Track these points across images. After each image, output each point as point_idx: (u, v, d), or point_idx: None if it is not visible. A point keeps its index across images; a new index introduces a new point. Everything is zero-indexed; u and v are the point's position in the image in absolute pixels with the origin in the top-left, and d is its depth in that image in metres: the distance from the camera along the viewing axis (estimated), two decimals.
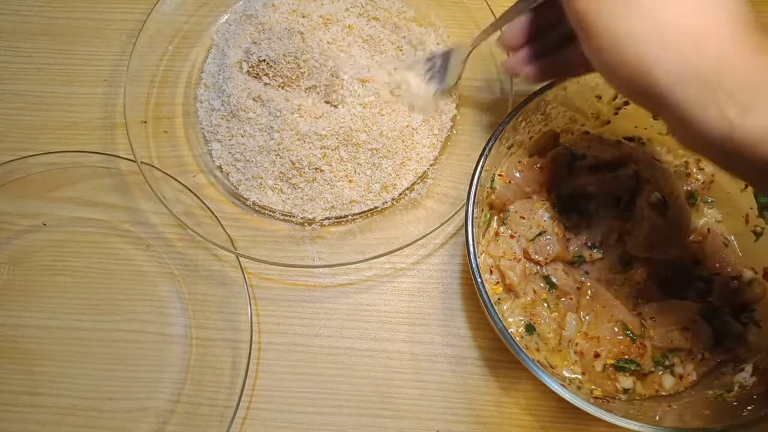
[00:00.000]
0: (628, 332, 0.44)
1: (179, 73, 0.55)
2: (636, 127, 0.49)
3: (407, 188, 0.52)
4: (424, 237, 0.48)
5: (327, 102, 0.50)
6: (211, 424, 0.46)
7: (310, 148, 0.49)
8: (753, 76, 0.27)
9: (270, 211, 0.51)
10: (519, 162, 0.48)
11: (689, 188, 0.49)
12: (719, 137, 0.27)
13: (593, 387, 0.44)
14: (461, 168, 0.53)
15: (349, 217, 0.51)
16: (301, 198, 0.51)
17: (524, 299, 0.45)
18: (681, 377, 0.44)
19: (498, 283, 0.46)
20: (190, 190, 0.50)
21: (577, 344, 0.44)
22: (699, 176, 0.48)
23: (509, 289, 0.45)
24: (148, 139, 0.52)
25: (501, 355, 0.49)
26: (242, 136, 0.51)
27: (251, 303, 0.48)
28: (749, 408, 0.38)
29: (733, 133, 0.26)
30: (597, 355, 0.44)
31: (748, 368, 0.42)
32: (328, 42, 0.51)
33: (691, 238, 0.47)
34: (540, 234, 0.46)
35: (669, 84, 0.28)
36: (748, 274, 0.45)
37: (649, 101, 0.31)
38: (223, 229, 0.49)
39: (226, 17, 0.56)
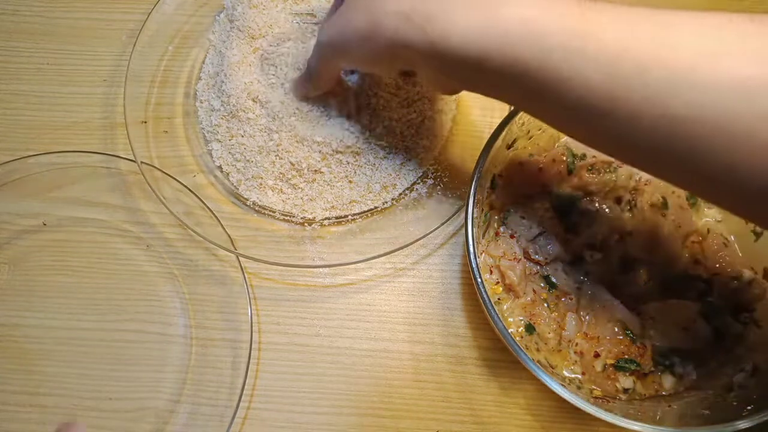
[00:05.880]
0: (628, 332, 0.44)
1: (179, 73, 0.55)
2: None
3: (407, 188, 0.52)
4: (424, 237, 0.48)
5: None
6: (211, 424, 0.46)
7: (308, 150, 0.49)
8: None
9: (270, 211, 0.51)
10: (518, 162, 0.48)
11: None
12: (428, 51, 0.35)
13: (593, 387, 0.44)
14: (461, 168, 0.53)
15: (349, 217, 0.51)
16: (301, 198, 0.51)
17: (524, 299, 0.45)
18: (681, 377, 0.44)
19: (498, 283, 0.46)
20: (190, 190, 0.50)
21: (577, 344, 0.44)
22: None
23: (509, 289, 0.45)
24: (148, 139, 0.52)
25: (501, 355, 0.49)
26: (242, 136, 0.51)
27: (251, 303, 0.48)
28: (749, 408, 0.38)
29: (433, 45, 0.34)
30: (597, 355, 0.44)
31: (748, 368, 0.42)
32: None
33: (691, 238, 0.47)
34: (540, 234, 0.46)
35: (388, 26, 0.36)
36: (748, 274, 0.45)
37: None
38: (223, 229, 0.49)
39: (222, 17, 0.56)
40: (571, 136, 0.38)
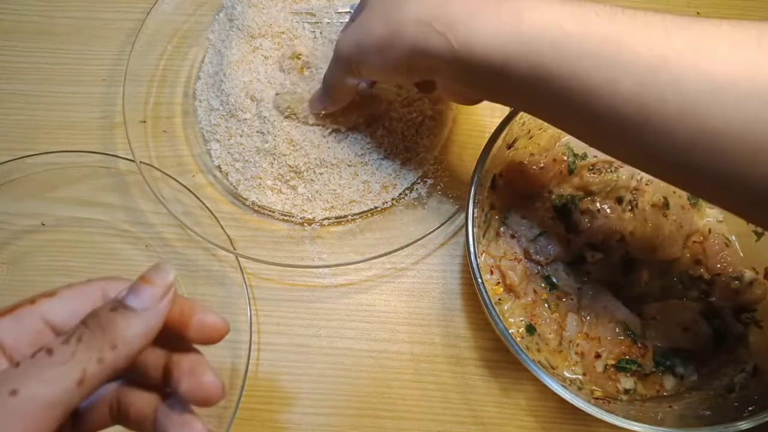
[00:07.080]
0: (629, 333, 0.44)
1: (178, 72, 0.55)
2: None
3: (407, 188, 0.52)
4: (424, 237, 0.48)
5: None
6: (211, 424, 0.46)
7: (305, 153, 0.49)
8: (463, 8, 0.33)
9: (269, 211, 0.51)
10: (519, 162, 0.48)
11: None
12: (449, 58, 0.34)
13: (594, 388, 0.43)
14: (461, 168, 0.52)
15: (349, 217, 0.51)
16: (301, 198, 0.50)
17: (525, 300, 0.45)
18: (682, 378, 0.44)
19: (498, 283, 0.46)
20: (189, 189, 0.50)
21: (578, 345, 0.44)
22: None
23: (510, 289, 0.45)
24: (147, 139, 0.52)
25: (501, 356, 0.48)
26: (241, 136, 0.50)
27: (251, 303, 0.48)
28: (750, 408, 0.38)
29: (455, 52, 0.33)
30: (598, 356, 0.43)
31: (749, 369, 0.42)
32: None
33: (692, 238, 0.47)
34: (541, 234, 0.46)
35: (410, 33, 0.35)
36: (749, 274, 0.45)
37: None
38: (223, 229, 0.49)
39: (221, 16, 0.56)
40: (598, 149, 0.36)
